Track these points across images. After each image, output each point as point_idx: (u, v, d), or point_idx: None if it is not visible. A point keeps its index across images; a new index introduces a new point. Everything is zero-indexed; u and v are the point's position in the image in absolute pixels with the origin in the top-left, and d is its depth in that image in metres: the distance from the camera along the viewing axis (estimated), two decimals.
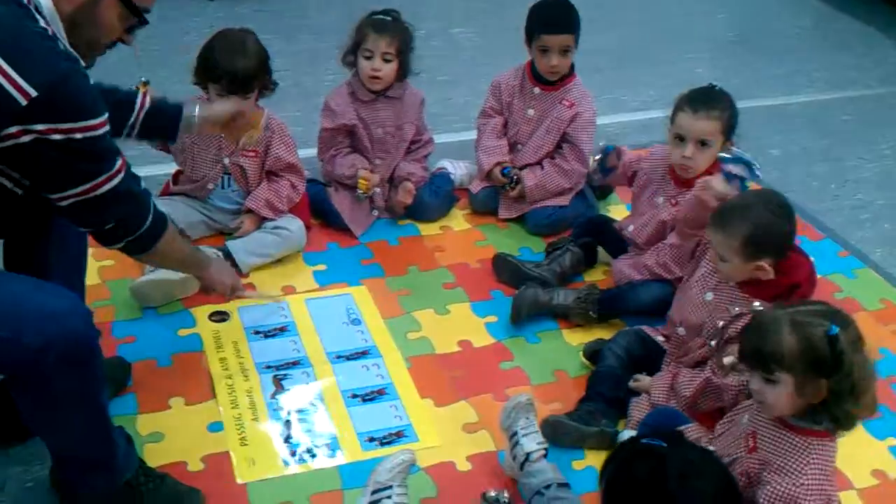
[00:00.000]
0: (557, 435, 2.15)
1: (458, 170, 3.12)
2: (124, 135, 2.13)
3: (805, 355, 1.64)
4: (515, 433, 2.04)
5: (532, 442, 2.01)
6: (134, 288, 2.47)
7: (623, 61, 4.31)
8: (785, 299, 2.10)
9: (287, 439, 2.14)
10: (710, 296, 2.21)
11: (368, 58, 2.78)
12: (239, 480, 2.03)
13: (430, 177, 3.03)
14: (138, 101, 2.14)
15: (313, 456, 2.10)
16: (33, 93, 1.51)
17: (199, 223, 2.75)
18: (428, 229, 2.94)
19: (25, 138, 1.54)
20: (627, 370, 2.30)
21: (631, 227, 2.68)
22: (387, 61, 2.79)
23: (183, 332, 2.42)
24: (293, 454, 2.10)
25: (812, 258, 2.24)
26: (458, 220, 3.01)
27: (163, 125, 2.22)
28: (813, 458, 1.72)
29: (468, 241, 2.90)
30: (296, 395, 2.25)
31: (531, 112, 2.98)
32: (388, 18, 2.80)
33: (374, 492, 1.86)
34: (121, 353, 2.31)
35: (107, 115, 1.64)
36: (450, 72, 4.02)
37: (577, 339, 2.52)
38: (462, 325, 2.55)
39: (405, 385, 2.32)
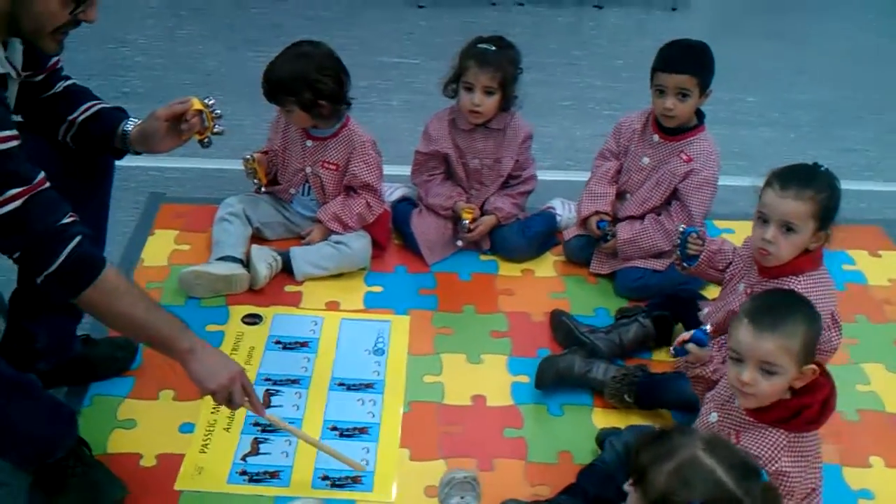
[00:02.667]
0: None
1: (565, 211, 2.90)
2: (61, 135, 2.01)
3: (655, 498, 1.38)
4: None
5: None
6: (180, 276, 2.54)
7: (830, 120, 3.77)
8: (789, 423, 1.72)
9: (245, 457, 2.09)
10: (714, 416, 1.85)
11: (469, 89, 2.65)
12: (176, 486, 2.01)
13: (531, 215, 2.84)
14: (85, 105, 2.01)
15: (259, 481, 2.04)
16: None
17: (280, 224, 2.78)
18: (508, 269, 2.75)
19: None
20: (625, 470, 1.99)
21: (706, 310, 2.33)
22: (488, 94, 2.64)
23: (210, 328, 2.44)
24: (242, 473, 2.05)
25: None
26: (546, 265, 2.78)
27: (98, 135, 2.03)
28: None
29: (544, 290, 2.68)
30: (275, 415, 2.19)
31: (646, 160, 2.69)
32: (493, 49, 2.64)
33: None
34: None
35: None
36: (618, 103, 3.74)
37: (608, 421, 2.24)
38: (487, 379, 2.36)
39: (391, 429, 2.19)
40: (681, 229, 2.33)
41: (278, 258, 2.62)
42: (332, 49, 2.58)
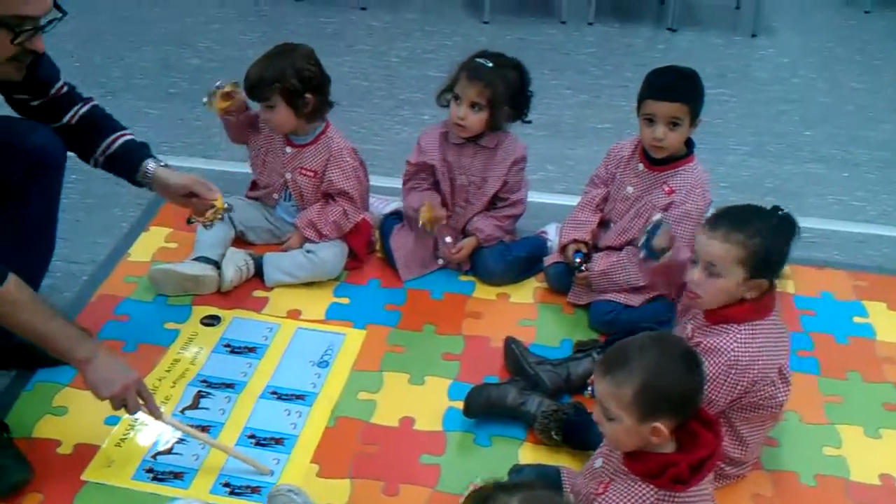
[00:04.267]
0: None
1: (557, 238, 2.79)
2: (91, 163, 2.28)
3: None
4: None
5: None
6: (149, 272, 2.59)
7: (893, 160, 3.48)
8: (658, 479, 1.60)
9: (156, 455, 2.12)
10: (599, 462, 1.74)
11: (456, 101, 2.60)
12: (82, 476, 2.06)
13: (518, 239, 2.76)
14: (109, 139, 2.23)
15: (162, 480, 2.06)
16: None
17: (265, 230, 2.80)
18: (484, 292, 2.68)
19: None
20: None
21: None
22: (474, 109, 2.58)
23: (168, 326, 2.49)
24: (149, 471, 2.08)
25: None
26: (525, 291, 2.69)
27: (123, 170, 2.27)
28: None
29: (513, 316, 2.58)
30: (199, 417, 2.21)
31: (630, 190, 2.56)
32: (488, 65, 2.58)
33: None
34: (106, 329, 2.46)
35: None
36: None
37: (536, 458, 2.13)
38: (422, 402, 2.29)
39: (307, 443, 2.16)
40: (655, 219, 2.22)
41: (250, 262, 2.64)
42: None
